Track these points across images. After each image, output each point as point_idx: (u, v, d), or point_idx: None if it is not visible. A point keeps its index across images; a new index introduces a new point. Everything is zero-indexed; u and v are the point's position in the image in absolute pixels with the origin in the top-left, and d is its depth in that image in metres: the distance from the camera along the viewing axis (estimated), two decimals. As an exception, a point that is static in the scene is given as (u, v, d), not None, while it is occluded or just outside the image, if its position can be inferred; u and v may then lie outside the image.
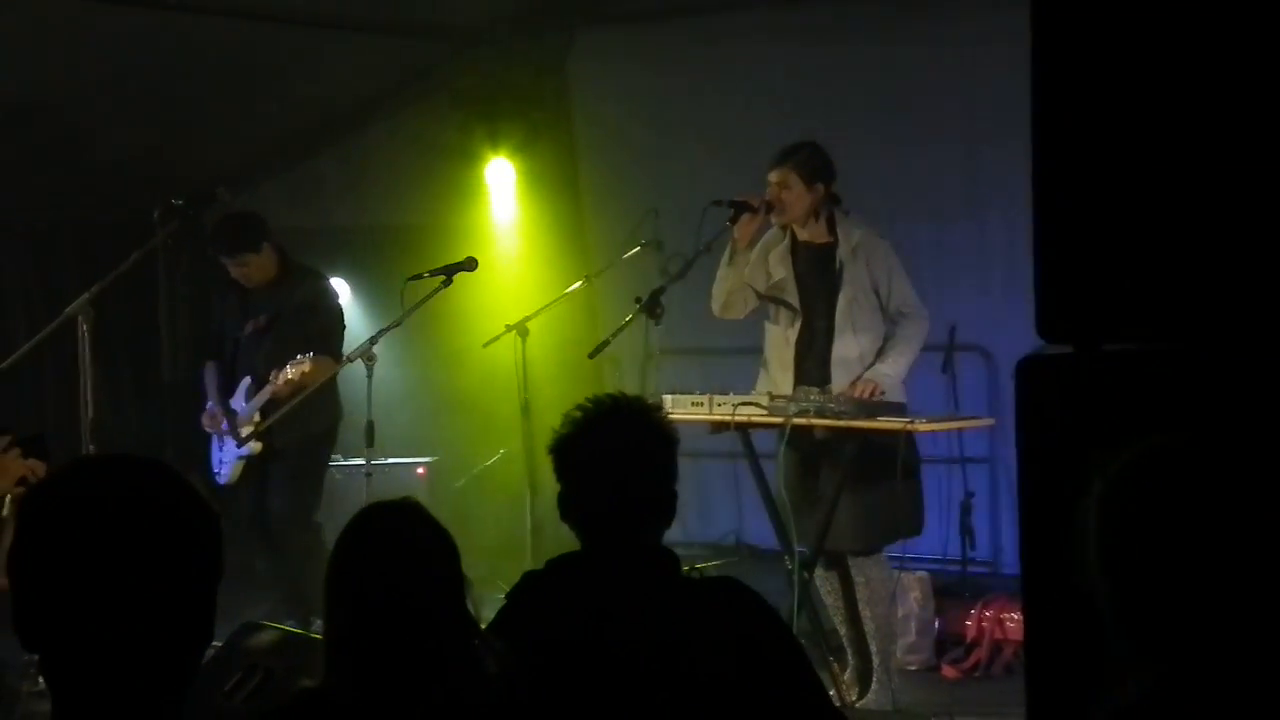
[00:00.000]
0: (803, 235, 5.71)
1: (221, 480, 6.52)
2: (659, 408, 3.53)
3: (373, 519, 2.57)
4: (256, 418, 6.37)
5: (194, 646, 1.72)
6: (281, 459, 6.39)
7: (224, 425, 6.45)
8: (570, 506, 2.89)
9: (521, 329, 6.59)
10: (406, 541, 2.50)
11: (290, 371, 6.08)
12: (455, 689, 2.44)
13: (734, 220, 5.66)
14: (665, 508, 2.88)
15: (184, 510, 1.71)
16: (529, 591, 2.89)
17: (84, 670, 1.65)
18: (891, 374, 5.53)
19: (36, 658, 1.68)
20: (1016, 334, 2.19)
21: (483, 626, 2.76)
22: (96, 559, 1.64)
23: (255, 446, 6.37)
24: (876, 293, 5.61)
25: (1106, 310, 1.61)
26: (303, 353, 6.11)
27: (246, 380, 6.41)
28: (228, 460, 6.50)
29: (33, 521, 1.68)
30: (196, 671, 1.73)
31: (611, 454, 2.86)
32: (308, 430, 6.39)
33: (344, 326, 6.52)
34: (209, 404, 6.53)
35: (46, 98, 7.32)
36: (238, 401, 6.47)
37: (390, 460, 7.78)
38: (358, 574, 2.48)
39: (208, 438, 6.62)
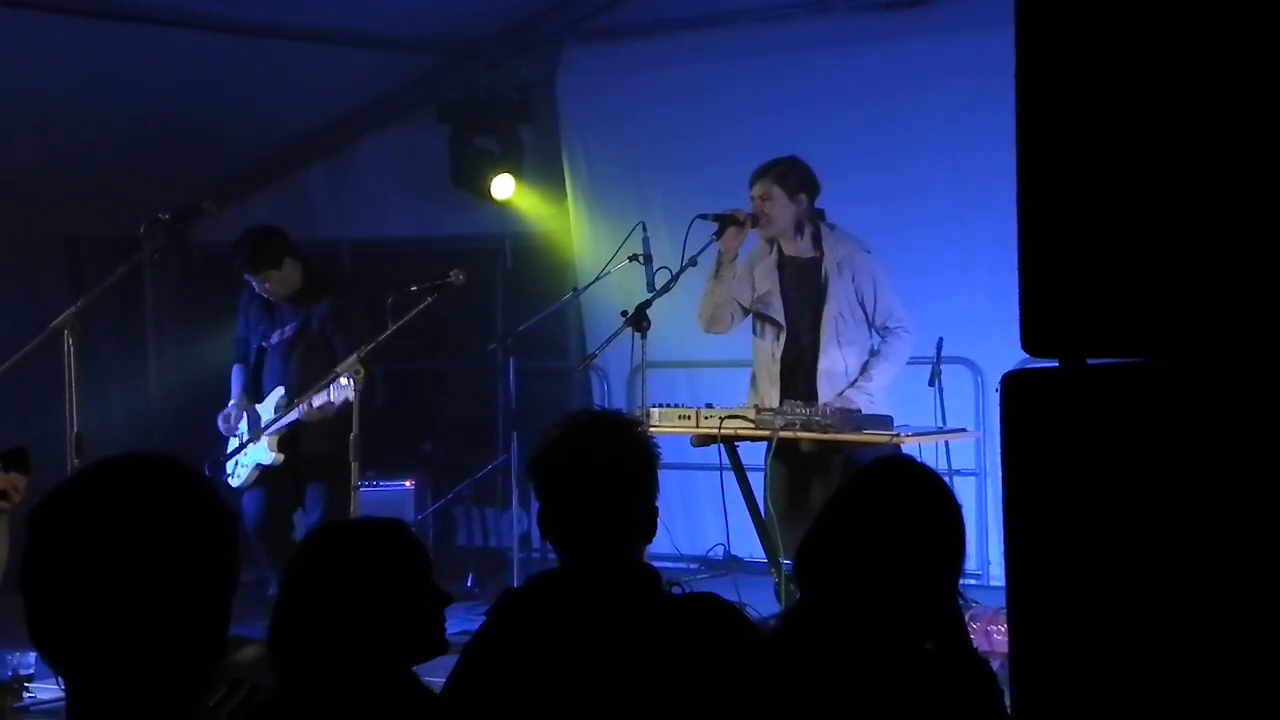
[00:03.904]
0: (789, 250, 5.72)
1: (234, 483, 6.57)
2: (638, 422, 3.50)
3: (318, 541, 2.59)
4: (280, 431, 6.38)
5: (211, 655, 1.68)
6: (316, 471, 6.37)
7: (236, 425, 6.46)
8: (550, 524, 2.81)
9: (509, 343, 6.58)
10: (337, 569, 2.46)
11: (333, 394, 5.98)
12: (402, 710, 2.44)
13: (720, 234, 5.67)
14: (646, 524, 2.80)
15: (206, 513, 1.67)
16: (509, 609, 2.83)
17: (103, 679, 1.61)
18: (873, 389, 5.54)
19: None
20: (1004, 347, 2.19)
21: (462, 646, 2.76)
22: (116, 565, 1.60)
23: (278, 458, 6.36)
24: (863, 306, 5.63)
25: (1092, 325, 1.60)
26: (327, 368, 6.03)
27: (279, 391, 6.37)
28: (246, 464, 6.53)
29: (48, 528, 1.63)
30: (210, 681, 1.70)
31: (590, 470, 2.77)
32: (342, 442, 6.39)
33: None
34: (230, 403, 6.53)
35: (33, 112, 7.31)
36: (265, 409, 6.47)
37: (377, 476, 7.75)
38: (303, 598, 2.47)
39: (210, 444, 6.63)
